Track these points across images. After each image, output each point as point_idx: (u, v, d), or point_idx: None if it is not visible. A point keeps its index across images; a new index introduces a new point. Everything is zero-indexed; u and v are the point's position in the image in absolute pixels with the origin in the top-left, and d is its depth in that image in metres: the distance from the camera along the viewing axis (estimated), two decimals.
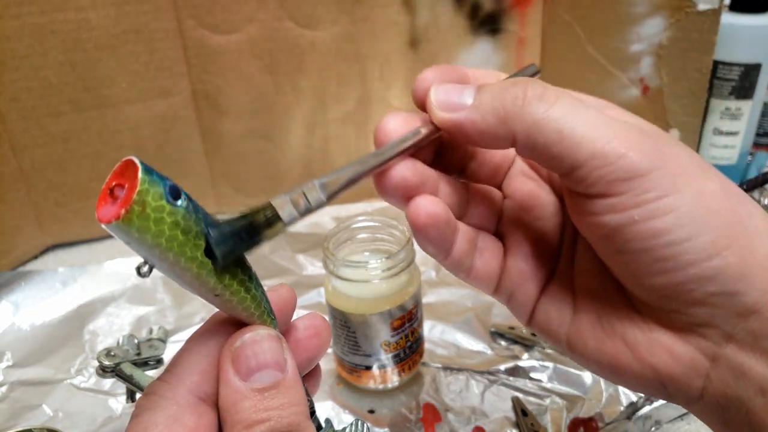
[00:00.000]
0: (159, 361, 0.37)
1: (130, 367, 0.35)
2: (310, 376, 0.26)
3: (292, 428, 0.21)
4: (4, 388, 0.45)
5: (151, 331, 0.40)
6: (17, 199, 0.59)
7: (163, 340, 0.38)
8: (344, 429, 0.26)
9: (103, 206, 0.18)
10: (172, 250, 0.19)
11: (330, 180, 0.24)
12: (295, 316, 0.26)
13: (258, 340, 0.22)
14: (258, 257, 0.60)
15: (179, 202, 0.19)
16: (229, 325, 0.24)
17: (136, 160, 0.18)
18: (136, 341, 0.37)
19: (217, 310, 0.24)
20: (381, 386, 0.43)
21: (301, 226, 0.65)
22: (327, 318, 0.43)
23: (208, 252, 0.20)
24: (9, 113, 0.56)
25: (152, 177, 0.18)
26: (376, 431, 0.41)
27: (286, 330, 0.25)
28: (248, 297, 0.22)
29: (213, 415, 0.22)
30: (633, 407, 0.39)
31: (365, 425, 0.26)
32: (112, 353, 0.35)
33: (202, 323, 0.24)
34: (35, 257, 0.62)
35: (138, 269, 0.20)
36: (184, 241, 0.19)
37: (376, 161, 0.24)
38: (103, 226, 0.18)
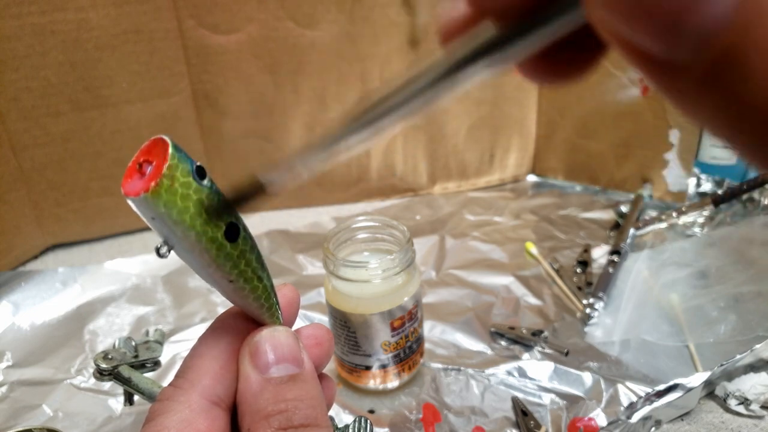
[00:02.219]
0: (156, 363, 0.37)
1: (127, 369, 0.34)
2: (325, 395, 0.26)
3: (309, 420, 0.21)
4: (4, 388, 0.45)
5: (147, 333, 0.40)
6: (17, 199, 0.59)
7: (161, 342, 0.38)
8: (347, 426, 0.26)
9: (129, 181, 0.18)
10: (195, 229, 0.19)
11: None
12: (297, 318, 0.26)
13: (275, 335, 0.22)
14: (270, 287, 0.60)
15: (205, 182, 0.19)
16: (238, 324, 0.24)
17: (167, 138, 0.18)
18: (133, 343, 0.36)
19: (222, 311, 0.24)
20: (381, 386, 0.43)
21: (301, 226, 0.65)
22: (327, 318, 0.43)
23: (228, 234, 0.20)
24: (9, 113, 0.56)
25: (181, 154, 0.18)
26: (376, 431, 0.41)
27: None
28: (260, 286, 0.22)
29: (226, 419, 0.22)
30: (633, 407, 0.39)
31: (368, 423, 0.27)
32: (110, 356, 0.35)
33: (210, 325, 0.24)
34: (35, 257, 0.62)
35: (158, 249, 0.19)
36: (206, 220, 0.19)
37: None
38: (129, 200, 0.18)
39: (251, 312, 0.23)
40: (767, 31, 0.11)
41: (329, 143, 0.17)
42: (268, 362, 0.22)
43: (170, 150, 0.18)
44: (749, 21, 0.11)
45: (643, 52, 0.12)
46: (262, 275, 0.22)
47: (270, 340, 0.22)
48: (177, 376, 0.23)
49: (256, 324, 0.24)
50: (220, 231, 0.20)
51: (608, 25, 0.12)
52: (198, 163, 0.19)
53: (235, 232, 0.20)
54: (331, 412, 0.42)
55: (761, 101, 0.11)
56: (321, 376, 0.27)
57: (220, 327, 0.24)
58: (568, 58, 0.17)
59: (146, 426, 0.21)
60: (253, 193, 0.19)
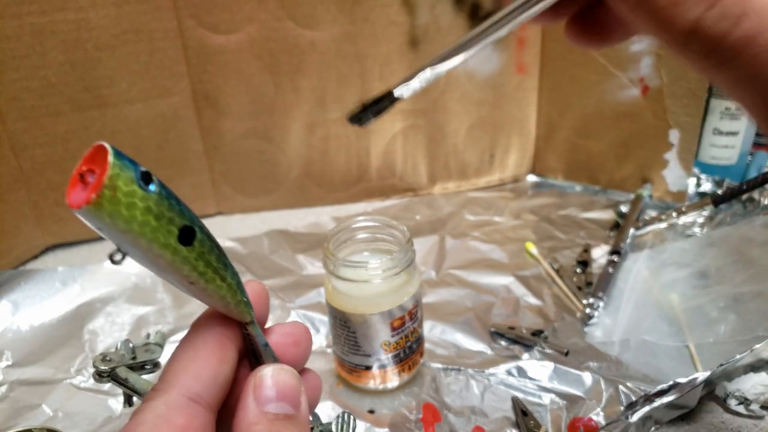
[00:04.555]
0: (156, 365, 0.37)
1: (125, 370, 0.34)
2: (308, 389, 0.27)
3: None
4: (3, 388, 0.45)
5: (148, 336, 0.40)
6: (17, 199, 0.59)
7: (161, 345, 0.38)
8: (330, 423, 0.26)
9: (73, 192, 0.18)
10: (145, 236, 0.18)
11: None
12: (294, 317, 0.26)
13: (281, 374, 0.23)
14: (258, 257, 0.60)
15: (151, 187, 0.18)
16: (212, 325, 0.24)
17: (107, 145, 0.17)
18: (131, 345, 0.37)
19: (198, 315, 0.24)
20: (381, 386, 0.43)
21: (301, 226, 0.65)
22: (327, 318, 0.43)
23: (182, 238, 0.20)
24: (9, 113, 0.56)
25: (123, 161, 0.17)
26: (376, 431, 0.41)
27: (265, 332, 0.26)
28: (224, 285, 0.22)
29: (207, 417, 0.22)
30: (633, 407, 0.39)
31: (351, 417, 0.27)
32: (108, 358, 0.35)
33: (188, 330, 0.24)
34: (35, 257, 0.62)
35: (111, 256, 0.19)
36: (156, 227, 0.19)
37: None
38: (75, 212, 0.17)
39: (221, 309, 0.23)
40: None
41: (446, 54, 0.23)
42: (269, 397, 0.23)
43: (110, 158, 0.17)
44: None
45: None
46: (225, 274, 0.22)
47: (275, 377, 0.23)
48: (159, 380, 0.23)
49: (231, 321, 0.24)
50: (173, 236, 0.19)
51: None
52: (143, 169, 0.18)
53: (190, 234, 0.20)
54: (332, 413, 0.42)
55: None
56: (304, 371, 0.28)
57: (194, 331, 0.24)
58: (599, 25, 0.23)
59: (125, 427, 0.21)
60: (386, 101, 0.24)
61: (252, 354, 0.25)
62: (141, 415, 0.21)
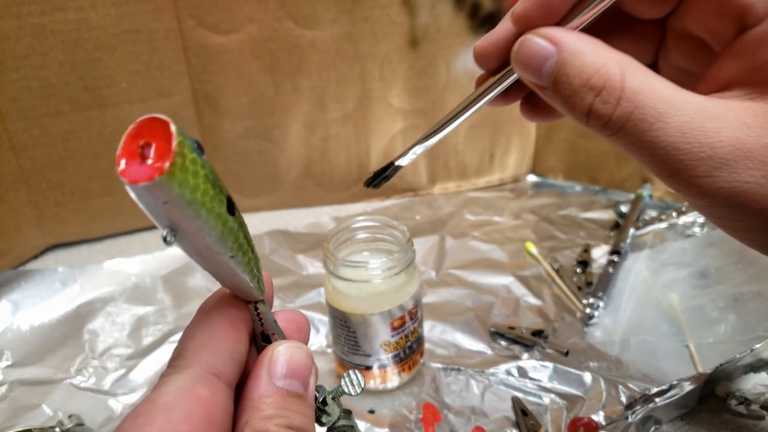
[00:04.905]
0: None
1: None
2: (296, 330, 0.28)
3: (305, 430, 0.23)
4: (3, 388, 0.45)
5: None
6: (17, 199, 0.59)
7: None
8: (339, 387, 0.27)
9: (132, 167, 0.17)
10: (205, 206, 0.18)
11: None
12: (290, 316, 0.27)
13: (296, 352, 0.24)
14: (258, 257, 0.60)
15: (205, 157, 0.18)
16: (223, 306, 0.24)
17: (164, 117, 0.17)
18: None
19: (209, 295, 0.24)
20: (381, 386, 0.43)
21: (301, 226, 0.65)
22: (327, 318, 0.43)
23: (229, 207, 0.20)
24: (9, 113, 0.56)
25: (180, 130, 0.17)
26: (376, 431, 0.41)
27: None
28: (254, 258, 0.23)
29: (228, 393, 0.22)
30: (633, 407, 0.39)
31: (356, 373, 0.27)
32: None
33: (195, 314, 0.24)
34: (35, 257, 0.62)
35: (164, 237, 0.18)
36: (213, 196, 0.18)
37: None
38: (137, 186, 0.17)
39: (242, 287, 0.23)
40: (565, 78, 0.24)
41: (431, 133, 0.29)
42: (282, 373, 0.23)
43: (174, 127, 0.17)
44: (558, 79, 0.24)
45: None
46: (253, 246, 0.23)
47: (290, 354, 0.24)
48: (172, 359, 0.23)
49: (240, 303, 0.24)
50: (224, 205, 0.19)
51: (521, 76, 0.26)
52: (195, 139, 0.18)
53: (232, 204, 0.20)
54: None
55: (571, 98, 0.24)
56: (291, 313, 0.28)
57: (206, 312, 0.24)
58: (542, 105, 0.30)
59: (146, 398, 0.21)
60: (390, 170, 0.31)
61: (260, 336, 0.26)
62: (164, 386, 0.21)
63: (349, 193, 0.70)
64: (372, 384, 0.43)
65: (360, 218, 0.43)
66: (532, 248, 0.59)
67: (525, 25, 0.26)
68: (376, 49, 0.63)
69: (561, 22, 0.26)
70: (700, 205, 0.25)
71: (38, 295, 0.54)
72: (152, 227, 0.66)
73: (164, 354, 0.48)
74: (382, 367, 0.42)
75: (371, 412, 0.42)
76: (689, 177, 0.23)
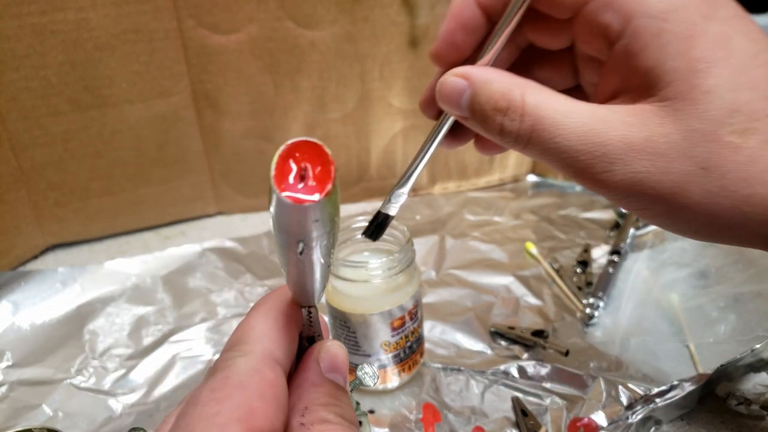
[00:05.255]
0: None
1: None
2: None
3: (354, 422, 0.24)
4: (4, 388, 0.45)
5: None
6: (17, 199, 0.59)
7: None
8: (355, 380, 0.28)
9: (295, 187, 0.18)
10: (338, 223, 0.20)
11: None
12: None
13: (340, 350, 0.25)
14: (258, 257, 0.60)
15: None
16: (278, 303, 0.25)
17: (316, 140, 0.18)
18: None
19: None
20: (381, 386, 0.43)
21: None
22: (327, 318, 0.43)
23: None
24: (9, 113, 0.56)
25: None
26: (376, 431, 0.41)
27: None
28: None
29: (285, 380, 0.23)
30: (633, 407, 0.39)
31: (367, 365, 0.28)
32: None
33: (253, 307, 0.25)
34: (35, 257, 0.62)
35: (300, 252, 0.20)
36: (338, 208, 0.20)
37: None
38: (304, 206, 0.18)
39: (312, 291, 0.24)
40: (477, 108, 0.29)
41: (402, 181, 0.33)
42: (330, 366, 0.25)
43: (329, 151, 0.18)
44: (473, 107, 0.29)
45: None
46: None
47: (337, 350, 0.25)
48: (233, 344, 0.24)
49: (296, 305, 0.26)
50: (338, 215, 0.21)
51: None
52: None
53: None
54: None
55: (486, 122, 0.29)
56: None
57: (266, 308, 0.25)
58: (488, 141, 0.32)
59: (212, 377, 0.22)
60: (380, 218, 0.33)
61: (306, 338, 0.27)
62: (233, 366, 0.22)
63: (349, 193, 0.70)
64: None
65: (360, 218, 0.43)
66: (532, 248, 0.59)
67: (440, 62, 0.32)
68: (376, 49, 0.63)
69: (472, 59, 0.31)
70: (612, 198, 0.28)
71: (38, 296, 0.54)
72: (152, 227, 0.66)
73: (164, 354, 0.48)
74: (382, 367, 0.42)
75: (371, 412, 0.42)
76: (592, 174, 0.27)
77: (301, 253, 0.20)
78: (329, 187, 0.18)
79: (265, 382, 0.22)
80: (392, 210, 0.33)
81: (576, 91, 0.32)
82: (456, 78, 0.29)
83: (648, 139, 0.25)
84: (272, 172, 0.18)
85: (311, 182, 0.18)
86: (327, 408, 0.23)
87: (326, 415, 0.23)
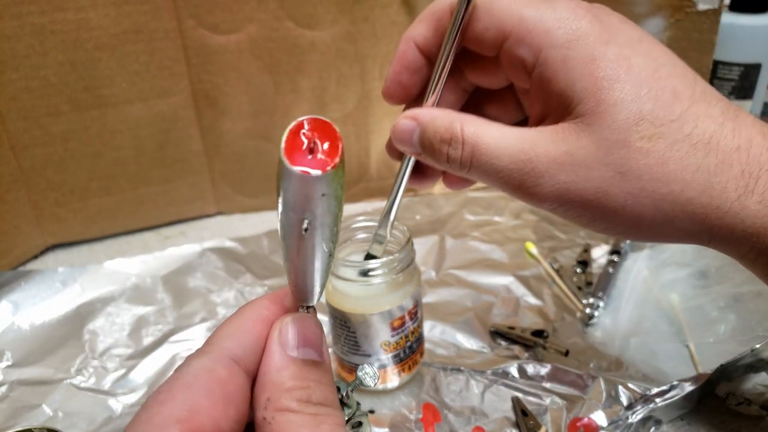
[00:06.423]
0: None
1: None
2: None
3: (327, 402, 0.23)
4: (3, 388, 0.45)
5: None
6: (17, 199, 0.59)
7: None
8: (356, 380, 0.28)
9: (303, 159, 0.19)
10: (342, 202, 0.20)
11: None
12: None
13: (305, 321, 0.24)
14: (258, 257, 0.60)
15: None
16: (257, 306, 0.25)
17: (326, 118, 0.19)
18: None
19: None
20: (381, 386, 0.43)
21: None
22: (327, 318, 0.43)
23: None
24: (9, 113, 0.56)
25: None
26: (376, 431, 0.41)
27: None
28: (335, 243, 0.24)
29: (245, 378, 0.23)
30: (633, 407, 0.39)
31: (368, 366, 0.28)
32: None
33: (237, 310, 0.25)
34: (35, 257, 0.62)
35: (305, 229, 0.20)
36: (343, 186, 0.20)
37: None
38: (311, 176, 0.18)
39: (311, 288, 0.24)
40: (427, 141, 0.32)
41: (381, 222, 0.38)
42: (294, 343, 0.24)
43: (337, 128, 0.19)
44: (423, 143, 0.32)
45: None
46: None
47: (299, 323, 0.24)
48: (203, 345, 0.24)
49: (276, 305, 0.25)
50: (343, 197, 0.21)
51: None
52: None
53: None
54: None
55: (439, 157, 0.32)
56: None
57: (240, 311, 0.25)
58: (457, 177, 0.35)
59: (168, 377, 0.22)
60: (371, 257, 0.38)
61: None
62: (186, 366, 0.22)
63: (349, 193, 0.70)
64: None
65: (360, 218, 0.43)
66: (532, 248, 0.59)
67: (391, 100, 0.35)
68: (376, 49, 0.63)
69: (420, 97, 0.34)
70: (548, 209, 0.30)
71: (38, 296, 0.54)
72: (152, 227, 0.66)
73: (164, 354, 0.48)
74: (382, 367, 0.42)
75: (371, 412, 0.42)
76: (525, 189, 0.29)
77: (305, 231, 0.20)
78: (337, 160, 0.18)
79: (215, 381, 0.22)
80: (375, 251, 0.38)
81: (524, 123, 0.35)
82: (406, 120, 0.32)
83: (568, 152, 0.28)
84: (282, 145, 0.19)
85: (320, 155, 0.19)
86: (291, 393, 0.22)
87: (288, 403, 0.22)
